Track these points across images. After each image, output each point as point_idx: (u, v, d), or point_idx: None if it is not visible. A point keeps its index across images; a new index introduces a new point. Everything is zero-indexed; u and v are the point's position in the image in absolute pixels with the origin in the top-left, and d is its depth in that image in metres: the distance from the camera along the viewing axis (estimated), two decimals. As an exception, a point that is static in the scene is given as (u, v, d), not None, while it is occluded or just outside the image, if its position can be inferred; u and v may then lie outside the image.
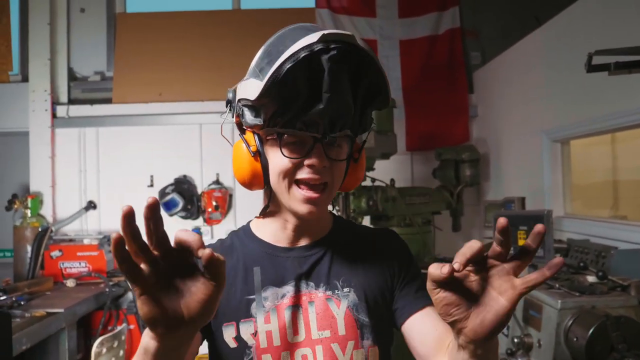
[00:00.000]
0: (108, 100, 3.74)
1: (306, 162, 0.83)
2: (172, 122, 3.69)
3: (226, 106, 0.92)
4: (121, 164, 3.66)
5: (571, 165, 2.79)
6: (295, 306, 0.89)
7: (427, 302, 0.92)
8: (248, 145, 0.87)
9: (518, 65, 3.13)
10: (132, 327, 3.14)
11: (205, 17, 3.87)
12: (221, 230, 3.65)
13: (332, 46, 0.75)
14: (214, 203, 3.56)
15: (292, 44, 0.76)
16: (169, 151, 3.68)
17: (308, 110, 0.79)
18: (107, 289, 3.03)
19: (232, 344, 0.87)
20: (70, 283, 3.07)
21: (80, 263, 3.24)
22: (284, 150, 0.83)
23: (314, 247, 0.95)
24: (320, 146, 0.83)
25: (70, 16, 3.82)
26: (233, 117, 0.91)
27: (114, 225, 3.61)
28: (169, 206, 3.50)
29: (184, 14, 3.88)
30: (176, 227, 3.56)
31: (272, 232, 0.95)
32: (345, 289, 0.91)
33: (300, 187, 0.85)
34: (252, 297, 0.89)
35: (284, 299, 0.89)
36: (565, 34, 2.60)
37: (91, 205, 3.60)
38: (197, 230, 3.59)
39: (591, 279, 1.87)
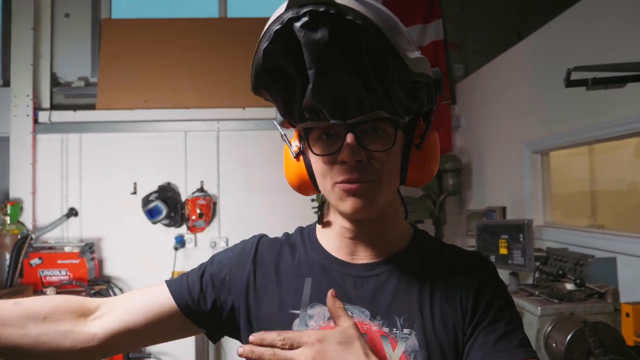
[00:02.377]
0: (92, 107, 3.71)
1: (338, 158, 0.70)
2: (157, 129, 3.67)
3: None
4: (104, 171, 3.62)
5: (551, 176, 2.86)
6: None
7: (512, 356, 0.70)
8: (290, 146, 0.78)
9: (500, 78, 3.21)
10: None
11: (192, 25, 3.88)
12: (205, 238, 3.64)
13: (304, 11, 0.59)
14: (198, 211, 3.54)
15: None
16: (153, 158, 3.66)
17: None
18: (88, 297, 3.00)
19: None
20: (50, 291, 3.02)
21: (60, 271, 3.19)
22: (313, 147, 0.72)
23: (377, 266, 0.79)
24: (353, 136, 0.68)
25: (54, 21, 3.80)
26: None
27: (96, 233, 3.57)
28: (153, 214, 3.48)
29: (170, 21, 3.89)
30: (159, 235, 3.58)
31: (332, 241, 0.82)
32: (405, 330, 0.74)
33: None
34: (297, 312, 0.77)
35: (330, 321, 0.75)
36: (545, 49, 2.69)
37: (72, 213, 3.55)
38: (181, 238, 3.57)
39: (569, 286, 1.93)
